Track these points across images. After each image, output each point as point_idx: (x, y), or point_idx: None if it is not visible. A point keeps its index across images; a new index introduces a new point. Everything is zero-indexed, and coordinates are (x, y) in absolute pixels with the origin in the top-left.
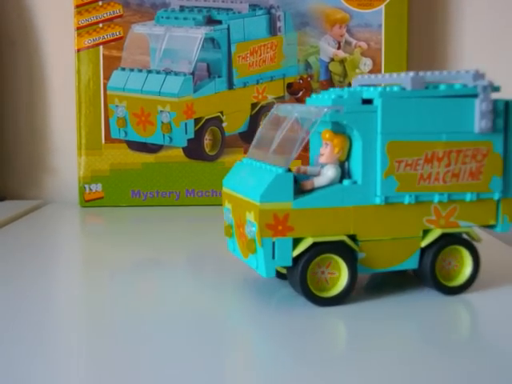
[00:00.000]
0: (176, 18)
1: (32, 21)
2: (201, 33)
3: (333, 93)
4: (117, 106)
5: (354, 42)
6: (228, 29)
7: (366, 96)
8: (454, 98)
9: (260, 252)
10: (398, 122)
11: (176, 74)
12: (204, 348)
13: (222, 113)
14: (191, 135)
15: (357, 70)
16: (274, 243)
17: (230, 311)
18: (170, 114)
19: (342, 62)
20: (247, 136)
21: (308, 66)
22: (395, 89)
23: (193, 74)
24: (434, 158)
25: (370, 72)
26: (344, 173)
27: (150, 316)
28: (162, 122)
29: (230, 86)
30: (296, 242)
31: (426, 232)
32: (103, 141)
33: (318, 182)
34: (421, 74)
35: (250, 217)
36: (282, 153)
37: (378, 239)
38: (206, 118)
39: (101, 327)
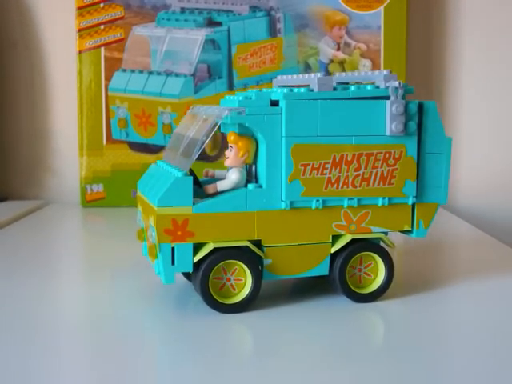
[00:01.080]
0: (177, 20)
1: (33, 22)
2: (201, 34)
3: (244, 94)
4: (118, 107)
5: (353, 43)
6: (228, 30)
7: (274, 97)
8: (364, 99)
9: (159, 258)
10: (303, 125)
11: (177, 75)
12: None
13: None
14: None
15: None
16: (173, 249)
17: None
18: (171, 115)
19: (342, 63)
20: None
21: (308, 67)
22: (302, 90)
23: (193, 75)
24: (343, 162)
25: None
26: (251, 176)
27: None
28: (163, 123)
29: (231, 87)
30: (199, 247)
31: (336, 238)
32: (104, 141)
33: (221, 185)
34: (342, 74)
35: (152, 221)
36: (186, 155)
37: (284, 245)
38: None
39: (100, 326)
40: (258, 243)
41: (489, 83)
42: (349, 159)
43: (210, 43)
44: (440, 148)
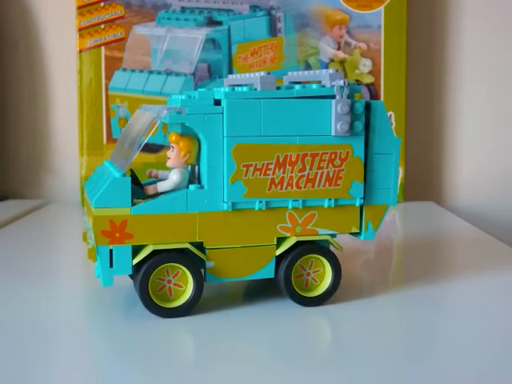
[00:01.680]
0: (177, 19)
1: (34, 22)
2: (202, 34)
3: (189, 93)
4: (118, 106)
5: (353, 42)
6: (229, 30)
7: (217, 97)
8: (309, 99)
9: (98, 260)
10: (245, 125)
11: (177, 74)
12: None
13: None
14: None
15: (356, 71)
16: (111, 251)
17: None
18: None
19: (342, 62)
20: None
21: (308, 66)
22: (244, 89)
23: (194, 74)
24: (287, 163)
25: (370, 73)
26: (195, 177)
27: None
28: (163, 123)
29: None
30: (140, 249)
31: (282, 240)
32: (105, 141)
33: (162, 186)
34: (294, 73)
35: (90, 223)
36: (125, 156)
37: (227, 247)
38: None
39: (99, 326)
40: (200, 245)
41: (490, 82)
42: (293, 160)
43: (211, 42)
44: (389, 148)
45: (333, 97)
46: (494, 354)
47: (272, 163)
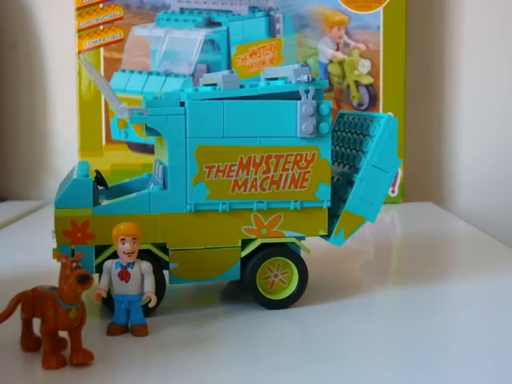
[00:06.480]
0: (176, 20)
1: (33, 23)
2: (201, 35)
3: (157, 95)
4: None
5: (352, 43)
6: (227, 31)
7: (182, 97)
8: (273, 100)
9: None
10: (208, 126)
11: (176, 75)
12: None
13: None
14: None
15: (355, 72)
16: (73, 251)
17: None
18: None
19: (341, 63)
20: None
21: None
22: (207, 89)
23: (193, 75)
24: (251, 164)
25: (369, 73)
26: (160, 178)
27: None
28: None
29: None
30: (104, 249)
31: (248, 242)
32: (104, 142)
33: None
34: (270, 69)
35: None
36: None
37: (190, 248)
38: None
39: (98, 326)
40: (163, 246)
41: (489, 83)
42: (257, 161)
43: (210, 43)
44: (387, 166)
45: (299, 95)
46: (493, 355)
47: (235, 165)
